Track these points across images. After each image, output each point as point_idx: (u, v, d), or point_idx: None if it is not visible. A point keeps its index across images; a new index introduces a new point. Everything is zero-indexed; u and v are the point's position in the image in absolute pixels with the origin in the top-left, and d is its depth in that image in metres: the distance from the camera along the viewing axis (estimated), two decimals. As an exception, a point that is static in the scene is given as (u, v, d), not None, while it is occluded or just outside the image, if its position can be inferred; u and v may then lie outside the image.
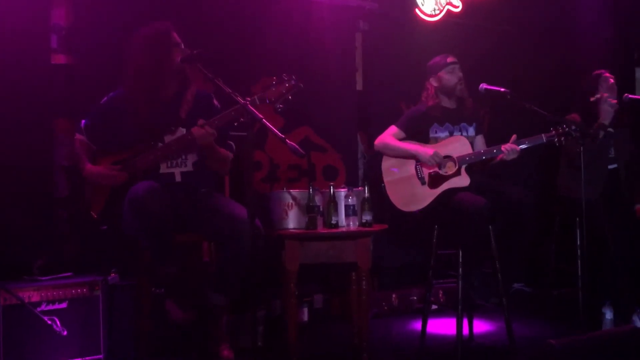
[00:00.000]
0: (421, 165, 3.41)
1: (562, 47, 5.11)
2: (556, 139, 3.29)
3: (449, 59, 3.53)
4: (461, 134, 3.49)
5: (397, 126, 3.52)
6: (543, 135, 3.32)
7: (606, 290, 3.70)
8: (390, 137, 3.48)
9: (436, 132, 3.49)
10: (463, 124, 3.54)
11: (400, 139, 3.48)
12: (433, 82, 3.55)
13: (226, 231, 2.80)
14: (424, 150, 3.36)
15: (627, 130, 4.00)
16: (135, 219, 2.72)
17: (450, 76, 3.50)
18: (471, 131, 3.56)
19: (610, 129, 3.69)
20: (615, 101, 3.72)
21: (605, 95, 3.72)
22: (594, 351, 2.61)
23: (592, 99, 3.79)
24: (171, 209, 2.81)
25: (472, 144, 3.49)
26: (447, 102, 3.56)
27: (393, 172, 3.43)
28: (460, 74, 3.52)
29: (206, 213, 2.90)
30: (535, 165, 5.07)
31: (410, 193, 3.39)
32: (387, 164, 3.48)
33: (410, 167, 3.43)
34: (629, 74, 5.11)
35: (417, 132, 3.49)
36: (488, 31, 5.16)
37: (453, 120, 3.53)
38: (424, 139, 3.48)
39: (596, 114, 3.74)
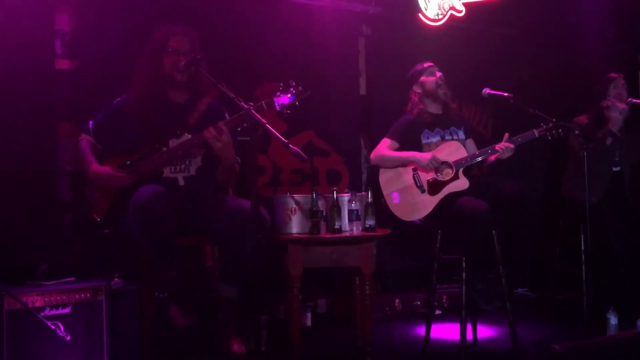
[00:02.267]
0: (419, 174, 3.42)
1: (565, 51, 5.11)
2: (548, 134, 3.31)
3: (426, 64, 3.62)
4: (452, 138, 3.51)
5: (390, 137, 3.55)
6: (535, 130, 3.35)
7: (611, 295, 3.69)
8: (385, 149, 3.51)
9: (428, 138, 3.51)
10: (453, 128, 3.56)
11: (395, 149, 3.50)
12: (416, 89, 3.61)
13: (230, 223, 2.79)
14: (422, 155, 3.39)
15: (635, 136, 3.99)
16: (139, 223, 2.72)
17: (430, 77, 3.55)
18: (461, 134, 3.58)
19: (617, 134, 3.68)
20: (625, 106, 3.71)
21: (614, 101, 3.71)
22: (598, 356, 2.60)
23: (603, 104, 3.79)
24: (175, 212, 2.81)
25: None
26: (432, 107, 3.59)
27: (393, 197, 3.43)
28: (439, 74, 3.56)
29: (210, 210, 2.90)
30: (541, 168, 5.07)
31: (411, 203, 3.39)
32: (384, 177, 3.49)
33: (408, 177, 3.43)
34: (631, 78, 5.10)
35: (409, 139, 3.51)
36: (491, 35, 5.16)
37: (442, 124, 3.55)
38: (417, 146, 3.49)
39: (604, 118, 3.74)
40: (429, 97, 3.57)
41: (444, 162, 3.40)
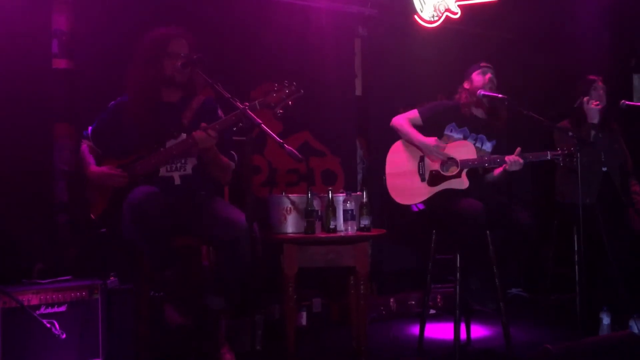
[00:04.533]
0: (425, 163, 3.45)
1: (560, 54, 5.14)
2: (561, 159, 3.29)
3: (482, 63, 3.57)
4: (475, 144, 3.48)
5: (419, 112, 3.54)
6: (548, 152, 3.33)
7: (604, 296, 3.71)
8: (407, 120, 3.52)
9: (451, 131, 3.51)
10: (481, 136, 3.53)
11: (416, 124, 3.51)
12: (465, 85, 3.58)
13: (224, 236, 2.81)
14: (428, 140, 3.40)
15: (616, 136, 4.02)
16: (134, 223, 2.73)
17: (481, 77, 3.51)
18: (487, 146, 3.54)
19: (599, 135, 3.71)
20: (596, 102, 3.75)
21: (586, 98, 3.77)
22: (590, 356, 2.63)
23: (575, 105, 3.83)
24: (170, 213, 2.82)
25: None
26: (475, 109, 3.55)
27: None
28: (491, 76, 3.50)
29: (204, 217, 2.91)
30: (532, 172, 5.09)
31: (408, 187, 3.44)
32: (391, 158, 3.52)
33: (414, 162, 3.46)
34: (626, 81, 5.14)
35: (435, 125, 3.51)
36: (486, 38, 5.18)
37: (474, 127, 3.52)
38: (438, 133, 3.49)
39: (583, 117, 3.78)
40: (475, 97, 3.52)
41: (451, 159, 3.42)
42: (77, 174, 3.06)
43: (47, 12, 3.67)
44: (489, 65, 3.57)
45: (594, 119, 3.73)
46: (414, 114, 3.54)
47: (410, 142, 3.49)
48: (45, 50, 3.65)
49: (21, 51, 3.50)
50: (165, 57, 2.99)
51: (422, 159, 3.47)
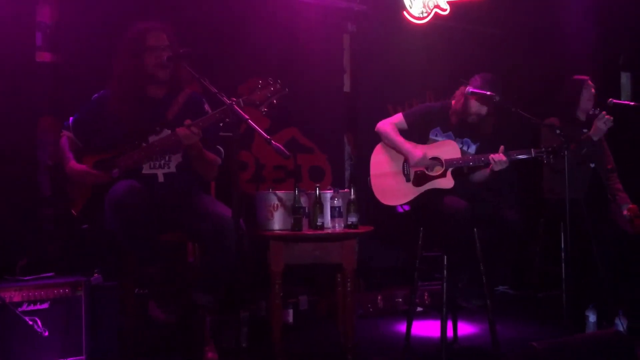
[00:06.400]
0: (409, 164, 3.42)
1: (548, 50, 5.15)
2: (544, 156, 3.29)
3: (496, 98, 3.28)
4: (461, 147, 3.47)
5: (404, 116, 3.52)
6: (532, 150, 3.32)
7: (590, 293, 3.73)
8: (392, 125, 3.49)
9: (436, 136, 3.49)
10: (466, 139, 3.53)
11: (401, 129, 3.49)
12: (469, 95, 3.37)
13: (210, 230, 2.78)
14: (415, 152, 3.36)
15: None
16: (116, 218, 2.69)
17: (479, 102, 3.39)
18: (472, 149, 3.54)
19: (595, 143, 3.69)
20: (610, 117, 3.65)
21: (608, 116, 3.61)
22: (576, 354, 2.63)
23: (591, 113, 3.75)
24: (154, 208, 2.78)
25: None
26: (464, 117, 3.51)
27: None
28: (487, 109, 3.40)
29: (189, 213, 2.88)
30: (518, 169, 5.10)
31: (393, 188, 3.41)
32: (376, 158, 3.50)
33: (399, 163, 3.44)
34: (614, 78, 5.16)
35: (419, 128, 3.49)
36: (475, 34, 5.19)
37: (459, 131, 3.51)
38: (423, 138, 3.48)
39: (577, 120, 3.76)
40: (463, 110, 3.45)
41: (435, 158, 3.41)
42: (58, 168, 3.01)
43: (31, 4, 3.62)
44: (495, 96, 3.27)
45: (596, 136, 3.60)
46: (398, 118, 3.52)
47: (396, 150, 3.46)
48: (29, 43, 3.60)
49: (4, 44, 3.44)
50: (145, 51, 2.94)
51: (406, 159, 3.45)
